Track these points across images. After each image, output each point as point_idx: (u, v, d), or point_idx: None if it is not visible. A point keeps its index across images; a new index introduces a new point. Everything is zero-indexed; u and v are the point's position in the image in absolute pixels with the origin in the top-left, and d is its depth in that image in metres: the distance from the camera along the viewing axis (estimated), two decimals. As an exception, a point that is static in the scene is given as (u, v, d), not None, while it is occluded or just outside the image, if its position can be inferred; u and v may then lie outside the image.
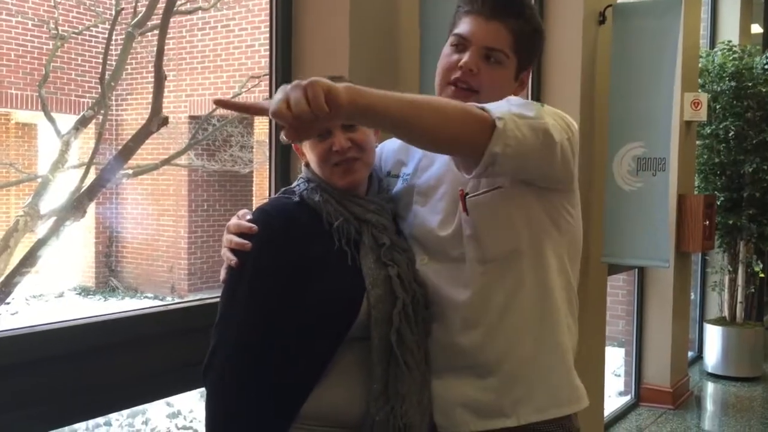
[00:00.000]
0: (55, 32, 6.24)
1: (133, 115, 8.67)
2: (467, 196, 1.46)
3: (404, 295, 1.47)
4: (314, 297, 1.44)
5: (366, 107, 1.17)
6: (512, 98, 1.42)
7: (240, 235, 1.47)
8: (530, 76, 1.61)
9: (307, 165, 1.57)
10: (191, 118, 8.75)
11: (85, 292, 9.27)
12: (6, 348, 1.55)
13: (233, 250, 1.46)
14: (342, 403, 1.47)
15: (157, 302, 9.04)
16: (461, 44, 1.48)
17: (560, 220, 1.53)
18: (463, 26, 1.49)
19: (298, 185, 1.56)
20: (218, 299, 1.53)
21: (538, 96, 3.54)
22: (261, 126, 10.37)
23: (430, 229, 1.53)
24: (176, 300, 9.04)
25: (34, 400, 1.59)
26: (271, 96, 2.23)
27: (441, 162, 1.55)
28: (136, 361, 1.81)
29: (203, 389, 1.49)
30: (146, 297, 9.26)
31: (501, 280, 1.49)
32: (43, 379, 1.61)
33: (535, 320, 1.51)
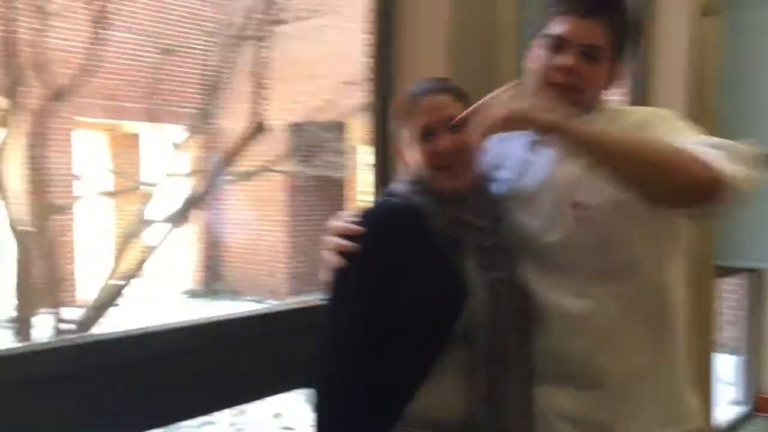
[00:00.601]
0: (165, 47, 6.54)
1: (232, 123, 8.96)
2: (582, 204, 1.44)
3: (507, 299, 1.46)
4: (417, 299, 1.45)
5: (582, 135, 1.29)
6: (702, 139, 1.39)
7: (344, 236, 1.49)
8: (628, 69, 1.57)
9: (410, 168, 1.58)
10: (289, 125, 8.96)
11: (193, 294, 9.66)
12: (120, 347, 1.61)
13: (338, 253, 1.48)
14: (444, 406, 1.47)
15: (255, 305, 9.32)
16: (557, 45, 1.47)
17: (679, 230, 1.48)
18: (558, 26, 1.47)
19: (400, 187, 1.58)
20: (321, 301, 1.56)
21: (644, 90, 3.42)
22: (354, 131, 10.51)
23: (534, 236, 1.51)
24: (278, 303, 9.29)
25: (145, 398, 1.64)
26: (369, 100, 2.26)
27: (542, 168, 1.53)
28: (242, 361, 1.86)
29: (307, 390, 1.52)
30: (247, 300, 9.54)
31: (615, 292, 1.45)
32: (155, 378, 1.66)
33: (649, 334, 1.46)
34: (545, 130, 1.33)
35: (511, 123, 1.32)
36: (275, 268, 9.67)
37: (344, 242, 1.48)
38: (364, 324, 1.45)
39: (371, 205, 1.66)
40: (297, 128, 8.75)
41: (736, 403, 4.84)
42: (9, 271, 5.03)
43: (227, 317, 1.89)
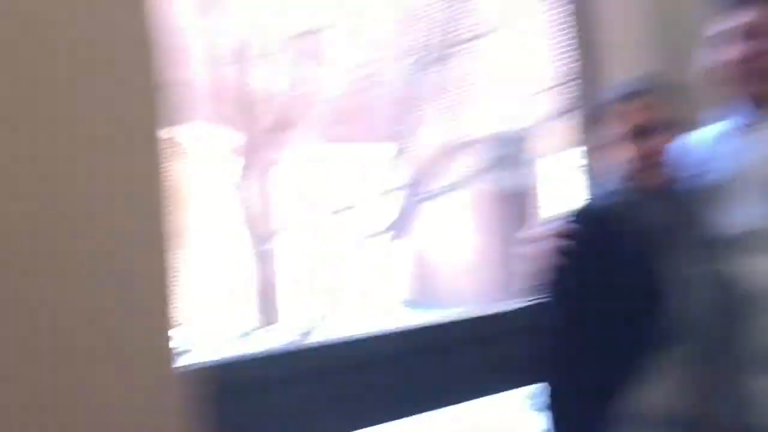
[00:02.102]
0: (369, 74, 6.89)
1: (436, 139, 9.29)
2: None
3: (719, 293, 1.49)
4: (631, 297, 1.50)
5: None
6: None
7: (562, 236, 1.58)
8: None
9: (615, 166, 1.64)
10: (487, 136, 9.10)
11: (411, 304, 10.07)
12: (343, 351, 1.74)
13: (556, 252, 1.57)
14: (658, 402, 1.52)
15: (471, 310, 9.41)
16: (749, 32, 1.48)
17: None
18: (747, 15, 1.49)
19: (609, 187, 1.65)
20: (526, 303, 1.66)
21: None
22: (548, 140, 10.40)
23: (746, 220, 1.51)
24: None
25: (358, 398, 1.71)
26: (572, 104, 2.32)
27: (759, 152, 1.53)
28: (458, 362, 1.91)
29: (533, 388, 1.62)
30: (460, 309, 9.69)
31: None
32: (365, 380, 1.73)
33: None
34: None
35: None
36: (483, 276, 9.80)
37: (561, 241, 1.56)
38: (589, 323, 1.51)
39: (582, 205, 1.73)
40: (495, 139, 8.86)
41: None
42: (249, 286, 5.56)
43: (439, 321, 1.98)
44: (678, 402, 1.50)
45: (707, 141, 1.66)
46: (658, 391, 1.52)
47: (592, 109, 2.25)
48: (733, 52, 1.52)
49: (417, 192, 5.25)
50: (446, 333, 1.94)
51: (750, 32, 1.49)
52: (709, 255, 1.52)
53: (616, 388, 1.52)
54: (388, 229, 4.92)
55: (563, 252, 1.56)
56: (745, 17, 1.50)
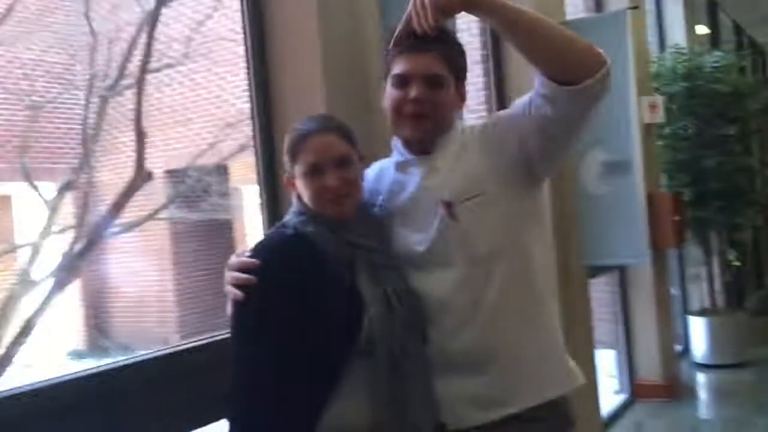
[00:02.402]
0: (30, 102, 6.37)
1: (109, 175, 8.76)
2: (454, 204, 1.62)
3: (400, 307, 1.59)
4: (318, 322, 1.54)
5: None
6: None
7: (242, 270, 1.58)
8: (466, 88, 1.76)
9: (299, 198, 1.70)
10: (167, 172, 8.86)
11: (77, 355, 9.23)
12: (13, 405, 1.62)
13: (238, 286, 1.57)
14: (352, 416, 1.57)
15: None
16: (403, 81, 1.65)
17: (540, 218, 1.70)
18: (400, 66, 1.65)
19: (290, 218, 1.67)
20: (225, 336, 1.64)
21: (500, 108, 3.71)
22: (237, 172, 10.48)
23: (412, 245, 1.67)
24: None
25: None
26: (254, 136, 2.37)
27: (415, 186, 1.69)
28: (158, 400, 1.90)
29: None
30: (139, 352, 9.22)
31: (489, 279, 1.63)
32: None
33: (525, 310, 1.65)
34: (468, 4, 1.52)
35: (440, 9, 1.52)
36: (165, 317, 9.44)
37: (243, 276, 1.57)
38: (272, 350, 1.53)
39: (264, 237, 1.76)
40: (178, 174, 8.67)
41: (617, 392, 5.22)
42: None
43: (114, 366, 1.91)
44: (374, 414, 1.55)
45: (381, 174, 1.80)
46: (353, 406, 1.56)
47: (272, 145, 2.30)
48: (389, 98, 1.68)
49: (96, 230, 4.88)
50: (125, 377, 1.88)
51: (402, 80, 1.65)
52: (389, 276, 1.63)
53: (311, 412, 1.55)
54: (55, 273, 4.48)
55: (243, 287, 1.57)
56: (400, 67, 1.65)
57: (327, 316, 1.56)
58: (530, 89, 1.59)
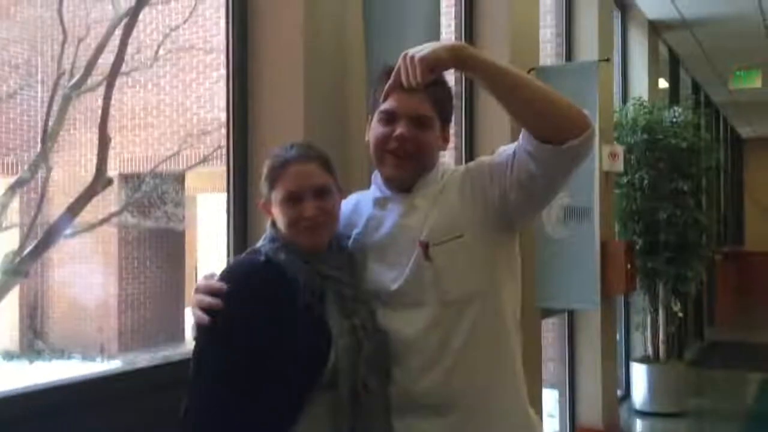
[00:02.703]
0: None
1: (60, 173, 8.55)
2: (430, 245, 1.62)
3: (367, 343, 1.58)
4: (284, 351, 1.52)
5: (469, 57, 1.54)
6: None
7: (210, 294, 1.55)
8: (451, 131, 1.79)
9: (273, 224, 1.68)
10: (121, 176, 8.68)
11: (8, 356, 8.92)
12: None
13: (204, 310, 1.54)
14: None
15: (85, 362, 8.77)
16: (390, 118, 1.65)
17: (513, 264, 1.71)
18: (389, 103, 1.65)
19: (263, 245, 1.66)
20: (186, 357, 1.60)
21: (470, 152, 3.76)
22: (192, 181, 10.33)
23: (384, 281, 1.66)
24: (108, 360, 8.80)
25: None
26: (228, 150, 2.33)
27: (392, 223, 1.69)
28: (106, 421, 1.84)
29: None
30: (74, 358, 8.96)
31: (459, 322, 1.62)
32: None
33: (492, 356, 1.65)
34: (457, 62, 1.54)
35: (429, 66, 1.52)
36: (105, 324, 9.20)
37: (208, 299, 1.54)
38: (230, 375, 1.51)
39: (235, 262, 1.74)
40: (133, 179, 8.51)
41: (557, 434, 5.26)
42: None
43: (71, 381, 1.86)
44: None
45: (357, 206, 1.80)
46: None
47: (247, 160, 2.27)
48: (374, 133, 1.68)
49: (54, 230, 4.73)
50: (73, 393, 1.82)
51: (389, 117, 1.66)
52: (358, 310, 1.61)
53: None
54: (14, 270, 4.32)
55: (209, 311, 1.53)
56: (388, 103, 1.66)
57: (293, 347, 1.54)
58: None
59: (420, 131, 1.64)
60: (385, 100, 1.66)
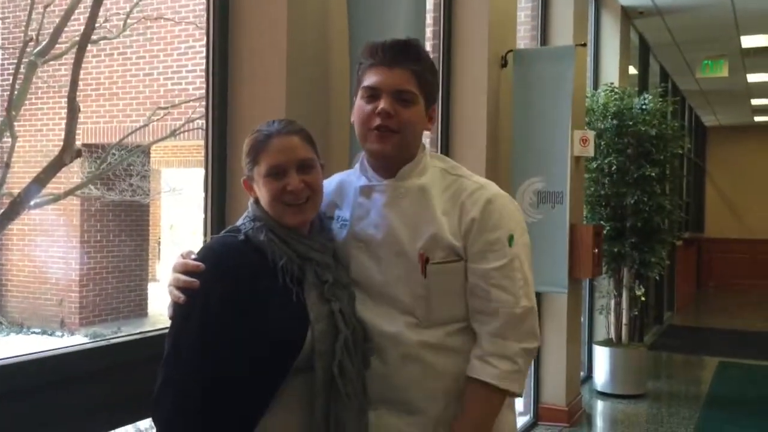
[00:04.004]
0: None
1: (21, 142, 8.33)
2: (430, 262, 1.61)
3: (345, 329, 1.57)
4: (261, 332, 1.51)
5: None
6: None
7: (187, 273, 1.52)
8: (437, 111, 1.77)
9: (256, 202, 1.65)
10: (85, 146, 8.49)
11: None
12: None
13: (180, 288, 1.52)
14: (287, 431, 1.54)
15: (45, 337, 8.62)
16: (373, 94, 1.62)
17: None
18: (371, 78, 1.63)
19: (243, 223, 1.63)
20: (158, 333, 1.57)
21: (447, 134, 3.75)
22: (156, 154, 10.16)
23: (370, 273, 1.65)
24: (69, 334, 8.67)
25: None
26: (207, 122, 2.26)
27: (378, 213, 1.67)
28: (75, 397, 1.81)
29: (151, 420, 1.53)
30: (33, 332, 8.81)
31: (439, 329, 1.64)
32: None
33: (463, 360, 1.64)
34: None
35: None
36: (66, 297, 9.04)
37: (184, 278, 1.51)
38: (209, 358, 1.49)
39: (213, 240, 1.70)
40: (97, 150, 8.32)
41: (520, 414, 5.33)
42: None
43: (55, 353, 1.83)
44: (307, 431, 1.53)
45: (341, 188, 1.77)
46: (286, 422, 1.54)
47: (223, 130, 2.23)
48: (358, 110, 1.66)
49: (20, 201, 4.60)
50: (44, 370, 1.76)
51: (372, 93, 1.63)
52: (338, 295, 1.60)
53: (242, 424, 1.51)
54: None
55: (185, 289, 1.51)
56: (371, 79, 1.63)
57: (269, 328, 1.52)
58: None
59: (403, 107, 1.62)
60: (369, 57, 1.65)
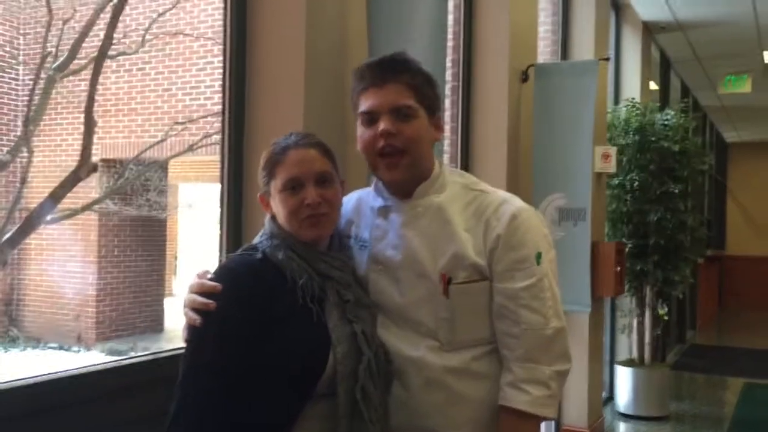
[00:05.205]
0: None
1: (40, 157, 8.37)
2: (452, 283, 1.54)
3: (368, 351, 1.51)
4: (280, 354, 1.46)
5: None
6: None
7: (203, 294, 1.47)
8: (443, 120, 1.71)
9: (273, 218, 1.60)
10: (103, 161, 8.53)
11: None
12: None
13: (196, 310, 1.46)
14: None
15: (62, 352, 8.62)
16: (371, 118, 1.56)
17: None
18: (365, 102, 1.57)
19: (261, 241, 1.59)
20: (177, 352, 1.52)
21: (467, 150, 3.69)
22: (173, 169, 10.18)
23: (390, 295, 1.60)
24: (86, 350, 8.67)
25: None
26: (223, 137, 2.22)
27: (396, 234, 1.61)
28: (91, 417, 1.76)
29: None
30: (50, 347, 8.81)
31: (467, 349, 1.58)
32: None
33: (488, 386, 1.58)
34: None
35: None
36: (83, 312, 9.05)
37: (201, 299, 1.46)
38: (223, 377, 1.43)
39: (230, 260, 1.64)
40: (115, 165, 8.35)
41: (542, 435, 5.22)
42: None
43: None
44: None
45: (359, 206, 1.73)
46: None
47: (242, 149, 2.19)
48: (361, 139, 1.60)
49: (35, 216, 4.58)
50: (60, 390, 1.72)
51: (370, 117, 1.57)
52: (360, 315, 1.55)
53: None
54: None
55: (201, 312, 1.46)
56: (366, 104, 1.57)
57: (290, 350, 1.46)
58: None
59: (404, 123, 1.55)
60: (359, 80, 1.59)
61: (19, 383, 1.64)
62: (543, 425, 5.13)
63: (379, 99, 1.54)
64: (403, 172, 1.56)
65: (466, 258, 1.55)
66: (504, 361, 1.57)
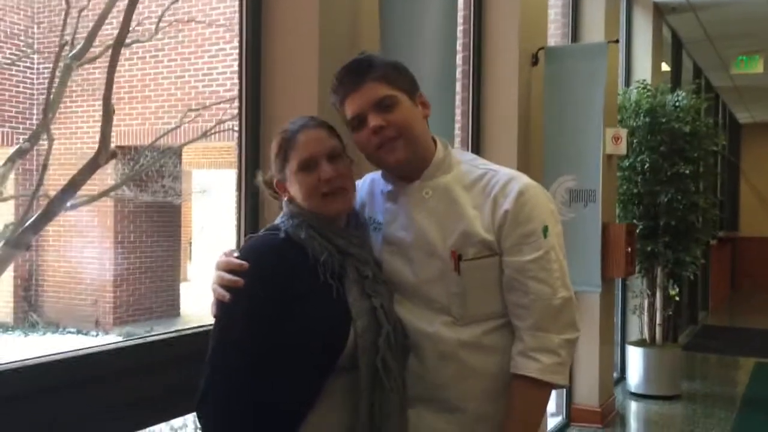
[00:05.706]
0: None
1: (55, 144, 8.47)
2: (462, 259, 1.60)
3: (387, 324, 1.57)
4: (302, 332, 1.52)
5: None
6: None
7: (230, 271, 1.53)
8: (424, 96, 1.72)
9: (291, 201, 1.66)
10: (118, 148, 8.62)
11: (2, 328, 8.90)
12: None
13: (224, 287, 1.53)
14: (331, 429, 1.55)
15: (80, 337, 8.76)
16: (360, 120, 1.62)
17: None
18: (349, 109, 1.63)
19: (282, 221, 1.64)
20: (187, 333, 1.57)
21: (477, 133, 3.73)
22: (187, 155, 10.26)
23: (406, 278, 1.66)
24: (104, 334, 8.80)
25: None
26: (240, 123, 2.27)
27: (406, 216, 1.67)
28: (109, 395, 1.83)
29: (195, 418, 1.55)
30: (69, 332, 8.95)
31: (478, 324, 1.64)
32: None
33: (500, 360, 1.64)
34: None
35: None
36: (100, 297, 9.19)
37: (229, 276, 1.52)
38: (250, 354, 1.50)
39: (255, 239, 1.70)
40: (130, 152, 8.44)
41: (552, 415, 5.29)
42: None
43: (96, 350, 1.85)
44: (350, 430, 1.54)
45: (372, 188, 1.79)
46: (330, 420, 1.55)
47: (257, 132, 2.24)
48: (357, 144, 1.66)
49: (56, 203, 4.68)
50: (94, 363, 1.80)
51: (358, 121, 1.62)
52: (378, 290, 1.60)
53: (286, 423, 1.52)
54: (15, 242, 4.28)
55: (229, 288, 1.52)
56: (349, 110, 1.63)
57: (312, 326, 1.53)
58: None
59: (389, 113, 1.61)
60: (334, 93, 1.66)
61: (37, 360, 1.70)
62: (553, 404, 5.21)
63: (360, 100, 1.60)
64: (405, 151, 1.62)
65: (474, 235, 1.61)
66: (516, 331, 1.63)
